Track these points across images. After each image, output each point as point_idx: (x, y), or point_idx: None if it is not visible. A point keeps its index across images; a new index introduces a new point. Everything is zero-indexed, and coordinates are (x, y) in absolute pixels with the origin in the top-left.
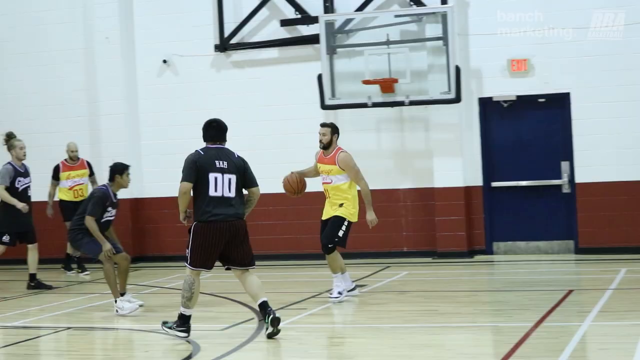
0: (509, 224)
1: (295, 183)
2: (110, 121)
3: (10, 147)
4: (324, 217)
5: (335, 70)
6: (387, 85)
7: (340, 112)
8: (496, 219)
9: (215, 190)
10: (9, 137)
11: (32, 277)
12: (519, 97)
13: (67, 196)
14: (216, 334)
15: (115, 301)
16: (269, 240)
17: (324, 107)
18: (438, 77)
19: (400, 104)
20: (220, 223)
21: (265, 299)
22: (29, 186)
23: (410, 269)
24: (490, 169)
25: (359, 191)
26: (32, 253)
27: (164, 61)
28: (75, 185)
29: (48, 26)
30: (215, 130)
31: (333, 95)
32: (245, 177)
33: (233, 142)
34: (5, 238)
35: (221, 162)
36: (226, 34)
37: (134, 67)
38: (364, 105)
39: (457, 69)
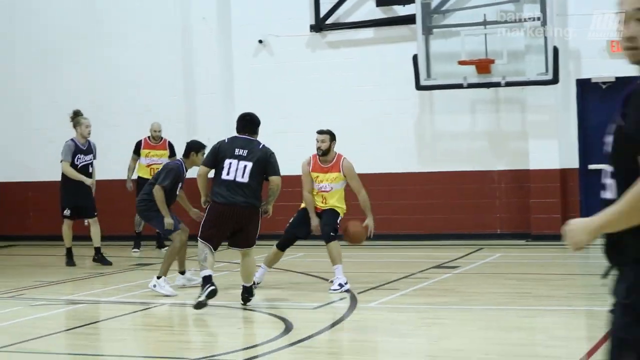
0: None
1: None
2: (205, 101)
3: (75, 124)
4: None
5: (430, 50)
6: (483, 65)
7: (435, 92)
8: (592, 202)
9: (227, 174)
10: (75, 115)
11: (97, 250)
12: (618, 78)
13: (144, 173)
14: (308, 312)
15: (159, 277)
16: (362, 221)
17: (419, 87)
18: (535, 57)
19: (496, 85)
20: (224, 206)
21: (247, 284)
22: (90, 163)
23: (504, 251)
24: (587, 151)
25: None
26: (94, 227)
27: (260, 41)
28: (152, 164)
29: (146, 5)
30: (246, 122)
31: (428, 75)
32: (267, 167)
33: (326, 123)
34: (67, 212)
35: (241, 150)
36: (322, 14)
37: (230, 47)
38: (459, 86)
39: (555, 50)
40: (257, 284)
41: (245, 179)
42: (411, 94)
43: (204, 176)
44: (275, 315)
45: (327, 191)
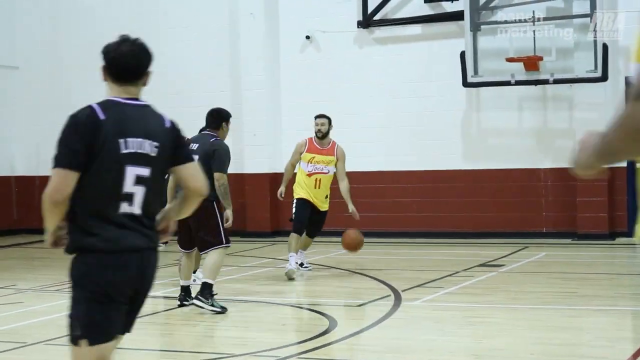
0: None
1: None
2: (252, 96)
3: None
4: (310, 199)
5: (478, 47)
6: (532, 63)
7: (482, 89)
8: None
9: None
10: None
11: None
12: None
13: None
14: (353, 309)
15: (194, 271)
16: (406, 218)
17: (466, 84)
18: (584, 55)
19: (545, 82)
20: None
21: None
22: None
23: (550, 250)
24: None
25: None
26: None
27: (307, 37)
28: None
29: (194, 1)
30: (207, 117)
31: (475, 72)
32: (210, 161)
33: (372, 119)
34: None
35: (194, 145)
36: (369, 10)
37: (277, 43)
38: (507, 83)
39: (605, 47)
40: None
41: None
42: (458, 90)
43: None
44: (320, 312)
45: (324, 173)
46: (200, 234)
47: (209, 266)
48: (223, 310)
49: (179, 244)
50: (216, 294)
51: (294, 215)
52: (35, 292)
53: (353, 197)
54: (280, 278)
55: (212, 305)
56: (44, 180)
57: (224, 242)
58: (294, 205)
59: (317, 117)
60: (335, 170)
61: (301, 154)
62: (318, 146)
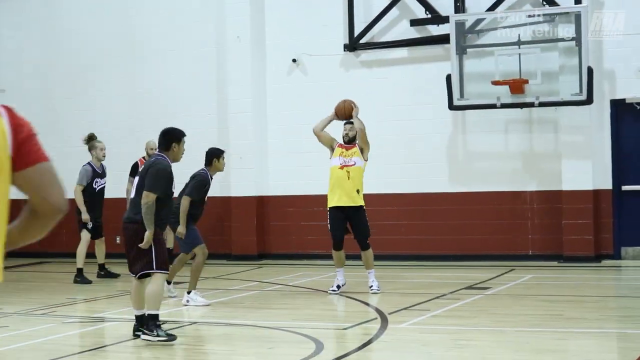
0: (638, 229)
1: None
2: (238, 119)
3: (91, 148)
4: (342, 204)
5: (464, 70)
6: (517, 86)
7: (468, 112)
8: (625, 224)
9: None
10: (90, 139)
11: (101, 266)
12: None
13: None
14: (339, 332)
15: (189, 292)
16: (393, 241)
17: (452, 107)
18: (569, 78)
19: (530, 105)
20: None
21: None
22: (104, 186)
23: (536, 272)
24: (620, 173)
25: None
26: (100, 245)
27: (294, 60)
28: None
29: (181, 25)
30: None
31: (461, 95)
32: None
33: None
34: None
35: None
36: (356, 33)
37: (263, 66)
38: (492, 106)
39: (590, 70)
40: (343, 284)
41: (132, 194)
42: (444, 113)
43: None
44: (306, 335)
45: (351, 165)
46: (131, 255)
47: (148, 296)
48: (171, 338)
49: (128, 267)
50: (164, 323)
51: (330, 231)
52: (21, 315)
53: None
54: (267, 301)
55: (158, 335)
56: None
57: (156, 267)
58: (328, 218)
59: (345, 123)
60: (363, 163)
61: (332, 148)
62: (346, 145)
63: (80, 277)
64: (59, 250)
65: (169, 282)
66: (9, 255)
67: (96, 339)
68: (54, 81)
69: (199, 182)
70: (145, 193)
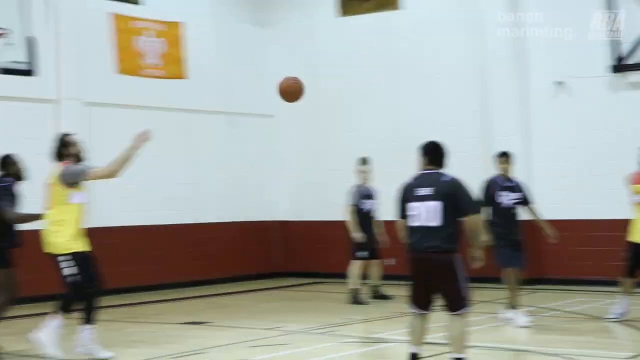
0: None
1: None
2: (503, 142)
3: (357, 170)
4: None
5: None
6: None
7: None
8: None
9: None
10: (364, 162)
11: (375, 288)
12: None
13: None
14: None
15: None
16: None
17: None
18: None
19: None
20: (418, 254)
21: (459, 356)
22: (373, 208)
23: None
24: None
25: None
26: (376, 266)
27: (558, 83)
28: None
29: (443, 47)
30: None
31: None
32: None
33: (628, 166)
34: (364, 254)
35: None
36: (623, 53)
37: (527, 89)
38: None
39: None
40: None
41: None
42: None
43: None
44: None
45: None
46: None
47: (455, 338)
48: None
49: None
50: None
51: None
52: (302, 333)
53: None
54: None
55: None
56: (303, 224)
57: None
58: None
59: None
60: None
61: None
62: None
63: (355, 298)
64: (331, 271)
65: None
66: (287, 275)
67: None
68: (320, 106)
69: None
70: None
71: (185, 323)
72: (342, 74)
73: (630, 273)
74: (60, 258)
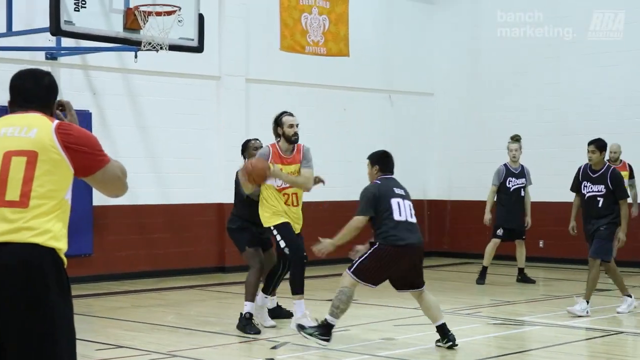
0: None
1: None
2: None
3: (509, 150)
4: None
5: None
6: None
7: None
8: None
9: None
10: (513, 140)
11: (520, 270)
12: None
13: None
14: None
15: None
16: None
17: None
18: None
19: None
20: (406, 248)
21: (443, 321)
22: (522, 187)
23: None
24: None
25: None
26: (520, 248)
27: None
28: None
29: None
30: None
31: None
32: None
33: None
34: (499, 232)
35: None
36: None
37: None
38: None
39: None
40: None
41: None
42: None
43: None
44: None
45: None
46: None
47: (435, 306)
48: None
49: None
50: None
51: None
52: (448, 314)
53: None
54: None
55: None
56: (454, 204)
57: None
58: None
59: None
60: None
61: None
62: None
63: (481, 276)
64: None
65: None
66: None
67: (519, 343)
68: (482, 87)
69: None
70: None
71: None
72: (503, 53)
73: None
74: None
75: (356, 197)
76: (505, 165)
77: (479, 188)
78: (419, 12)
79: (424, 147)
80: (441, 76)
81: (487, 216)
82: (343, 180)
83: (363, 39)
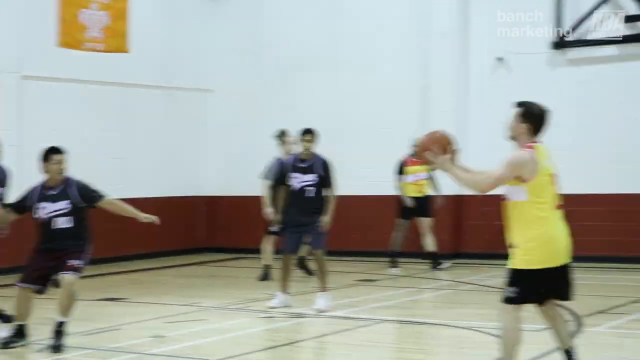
0: None
1: None
2: (439, 118)
3: (283, 143)
4: None
5: None
6: None
7: None
8: None
9: None
10: (282, 134)
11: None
12: None
13: (410, 191)
14: (532, 334)
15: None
16: (593, 242)
17: None
18: None
19: None
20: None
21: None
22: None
23: None
24: None
25: None
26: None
27: (499, 59)
28: (417, 180)
29: (385, 21)
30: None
31: None
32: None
33: (556, 140)
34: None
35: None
36: (563, 30)
37: (467, 65)
38: None
39: None
40: None
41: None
42: None
43: None
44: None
45: None
46: None
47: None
48: None
49: None
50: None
51: None
52: (218, 309)
53: None
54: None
55: None
56: (231, 200)
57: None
58: None
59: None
60: None
61: None
62: None
63: (266, 274)
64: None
65: None
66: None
67: (288, 335)
68: (259, 81)
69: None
70: None
71: (100, 299)
72: (285, 51)
73: None
74: None
75: (132, 193)
76: (277, 159)
77: (256, 184)
78: (201, 6)
79: (201, 143)
80: (222, 72)
81: (269, 209)
82: (118, 178)
83: (144, 35)
